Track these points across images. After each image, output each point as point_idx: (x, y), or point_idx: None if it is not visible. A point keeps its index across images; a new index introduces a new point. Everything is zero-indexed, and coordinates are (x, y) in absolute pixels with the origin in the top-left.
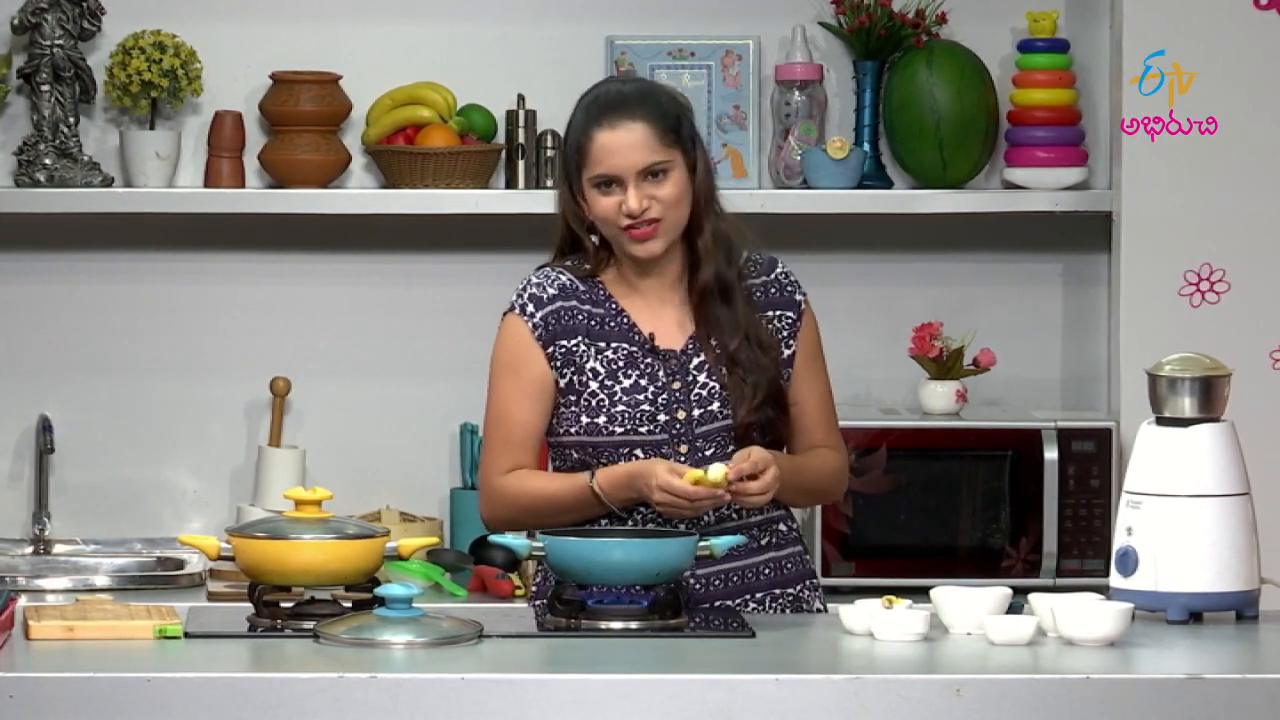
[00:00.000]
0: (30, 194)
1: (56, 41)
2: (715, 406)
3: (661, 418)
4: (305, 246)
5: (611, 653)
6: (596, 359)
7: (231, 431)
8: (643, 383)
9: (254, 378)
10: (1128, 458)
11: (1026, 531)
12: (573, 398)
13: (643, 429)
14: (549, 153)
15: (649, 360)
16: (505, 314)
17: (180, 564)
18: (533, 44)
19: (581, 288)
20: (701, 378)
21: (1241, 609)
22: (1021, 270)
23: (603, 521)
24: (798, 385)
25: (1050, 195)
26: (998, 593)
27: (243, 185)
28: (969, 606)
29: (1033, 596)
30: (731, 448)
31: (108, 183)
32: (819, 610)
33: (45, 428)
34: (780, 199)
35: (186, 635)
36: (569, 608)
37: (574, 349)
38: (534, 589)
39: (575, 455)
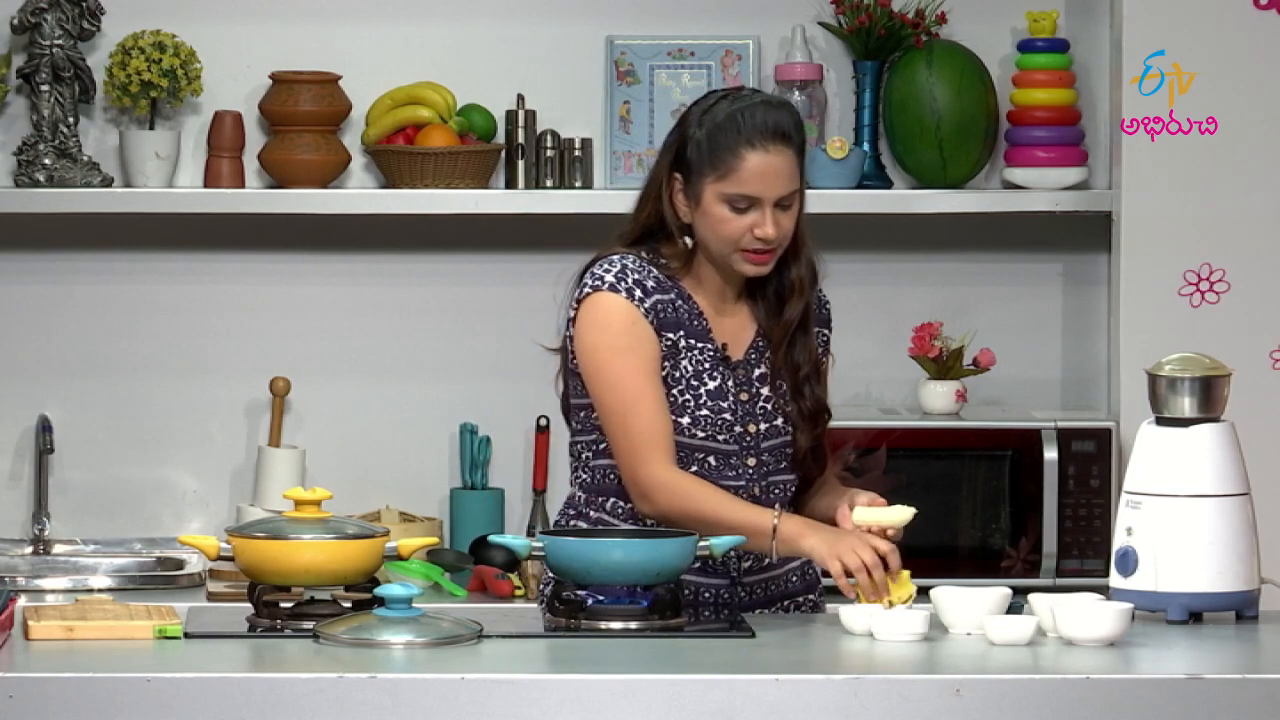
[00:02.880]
0: (30, 194)
1: (56, 41)
2: (780, 422)
3: (737, 429)
4: (305, 246)
5: (611, 653)
6: (687, 357)
7: (231, 431)
8: (723, 388)
9: (254, 378)
10: (1128, 458)
11: (1026, 531)
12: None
13: (720, 436)
14: (549, 153)
15: (722, 369)
16: (595, 294)
17: (180, 564)
18: (533, 44)
19: (668, 283)
20: (765, 391)
21: (1241, 609)
22: (1021, 270)
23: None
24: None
25: (1050, 195)
26: (997, 593)
27: (242, 185)
28: (969, 606)
29: (1032, 596)
30: (785, 463)
31: (107, 183)
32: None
33: (45, 428)
34: None
35: (186, 635)
36: (569, 608)
37: (676, 343)
38: (541, 592)
39: None
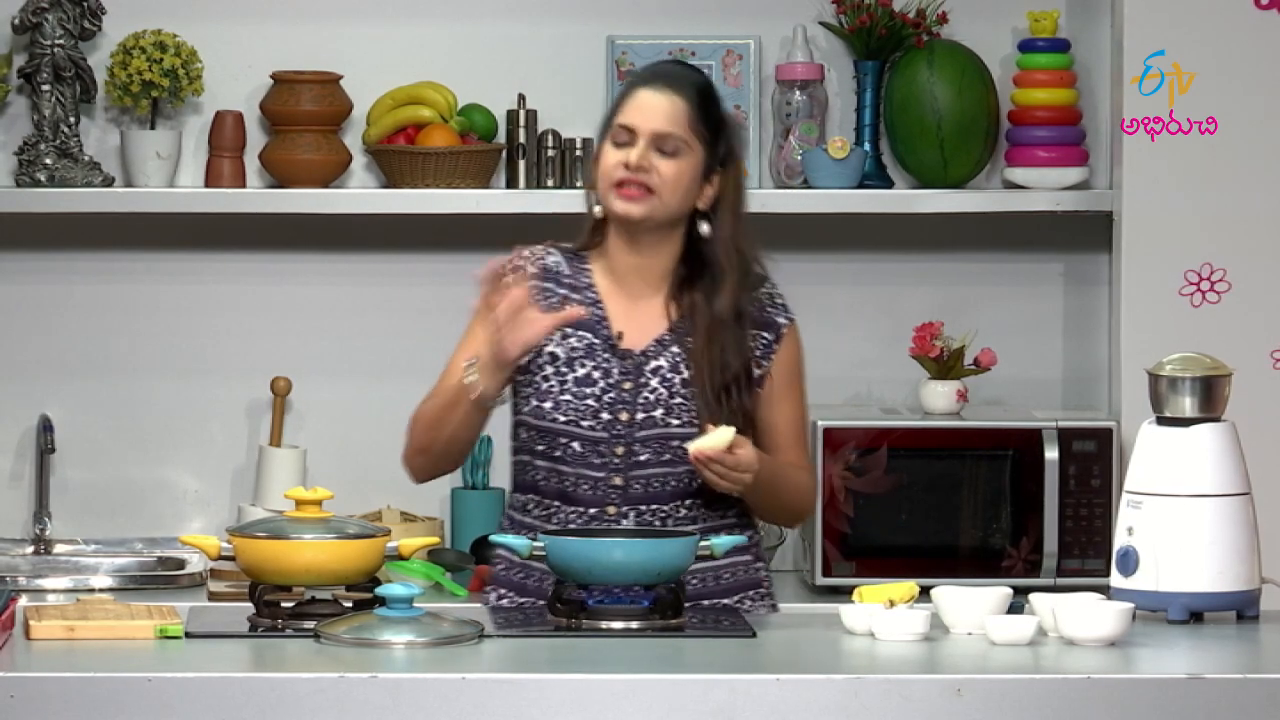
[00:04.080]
0: (31, 194)
1: (57, 41)
2: (659, 413)
3: (605, 416)
4: (306, 246)
5: (612, 652)
6: (558, 345)
7: (232, 431)
8: (595, 375)
9: (255, 377)
10: (1128, 457)
11: (1027, 531)
12: (526, 378)
13: (585, 422)
14: (550, 152)
15: (606, 355)
16: None
17: (181, 564)
18: (533, 44)
19: (566, 271)
20: (654, 382)
21: (1242, 609)
22: (1022, 270)
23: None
24: (770, 408)
25: (1051, 195)
26: (998, 592)
27: (243, 185)
28: (970, 606)
29: (1033, 596)
30: (668, 456)
31: (108, 182)
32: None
33: (46, 427)
34: (781, 199)
35: (187, 635)
36: (570, 607)
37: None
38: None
39: (523, 435)
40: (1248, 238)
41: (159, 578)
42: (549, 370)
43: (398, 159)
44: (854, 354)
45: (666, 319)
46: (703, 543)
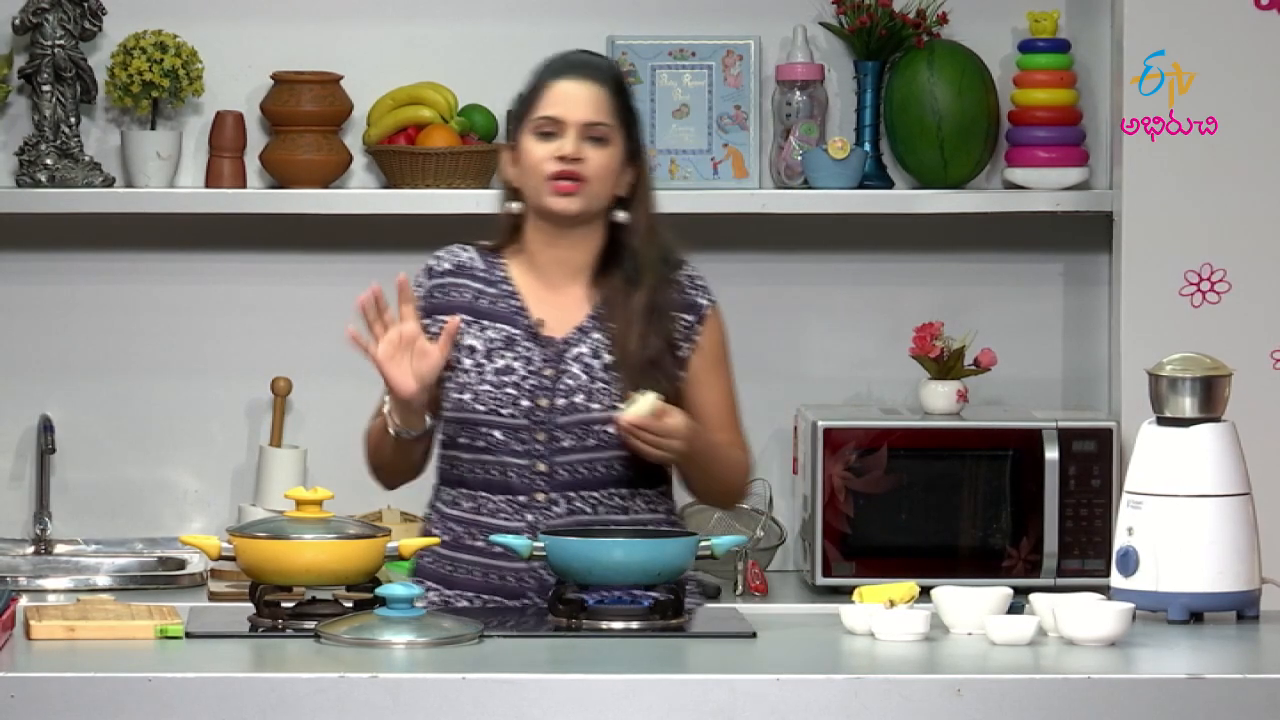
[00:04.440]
0: (31, 194)
1: (58, 41)
2: (580, 399)
3: (524, 402)
4: (306, 246)
5: (612, 653)
6: (476, 336)
7: (232, 431)
8: (514, 365)
9: (255, 378)
10: (1128, 458)
11: (1027, 531)
12: (449, 373)
13: (504, 411)
14: None
15: (528, 344)
16: None
17: (181, 564)
18: (534, 44)
19: (480, 266)
20: (575, 368)
21: (1242, 609)
22: (1022, 270)
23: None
24: (695, 390)
25: (1051, 195)
26: (998, 593)
27: (244, 185)
28: (970, 606)
29: (1033, 596)
30: (593, 441)
31: (109, 183)
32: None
33: (46, 427)
34: (781, 199)
35: (188, 635)
36: (570, 607)
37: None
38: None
39: (449, 431)
40: (1247, 238)
41: (159, 578)
42: (467, 363)
43: (398, 159)
44: (854, 354)
45: (587, 306)
46: (703, 543)
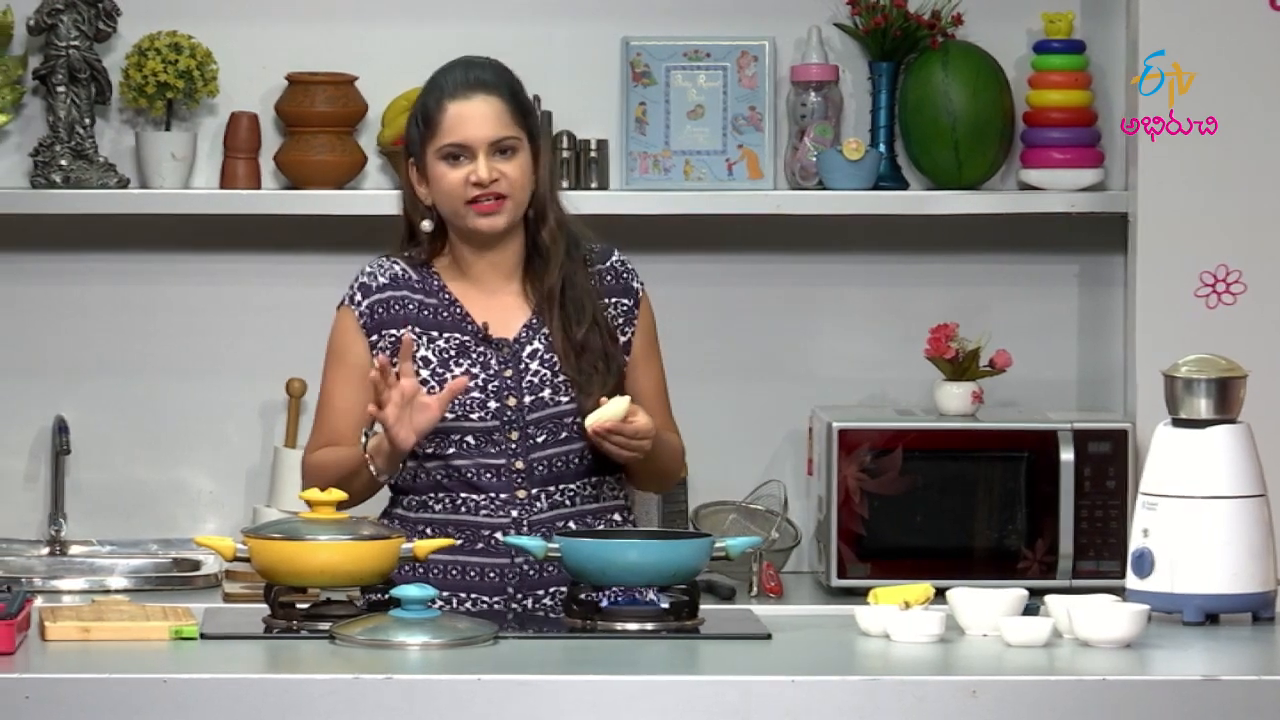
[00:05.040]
0: (46, 195)
1: (72, 43)
2: (546, 394)
3: (492, 404)
4: (321, 247)
5: (627, 654)
6: (428, 348)
7: (247, 433)
8: (474, 370)
9: (269, 379)
10: (1144, 459)
11: (1042, 533)
12: None
13: (473, 415)
14: (565, 154)
15: (481, 349)
16: (339, 306)
17: (196, 565)
18: (548, 45)
19: (415, 277)
20: (534, 365)
21: (1258, 610)
22: (1037, 271)
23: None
24: (635, 373)
25: (1066, 196)
26: (1014, 594)
27: (258, 186)
28: (985, 608)
29: (1049, 598)
30: (564, 434)
31: (123, 184)
32: None
33: (61, 429)
34: (796, 200)
35: (202, 636)
36: (585, 609)
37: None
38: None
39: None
40: (1263, 239)
41: (174, 579)
42: (425, 374)
43: None
44: (868, 355)
45: (527, 303)
46: (718, 545)
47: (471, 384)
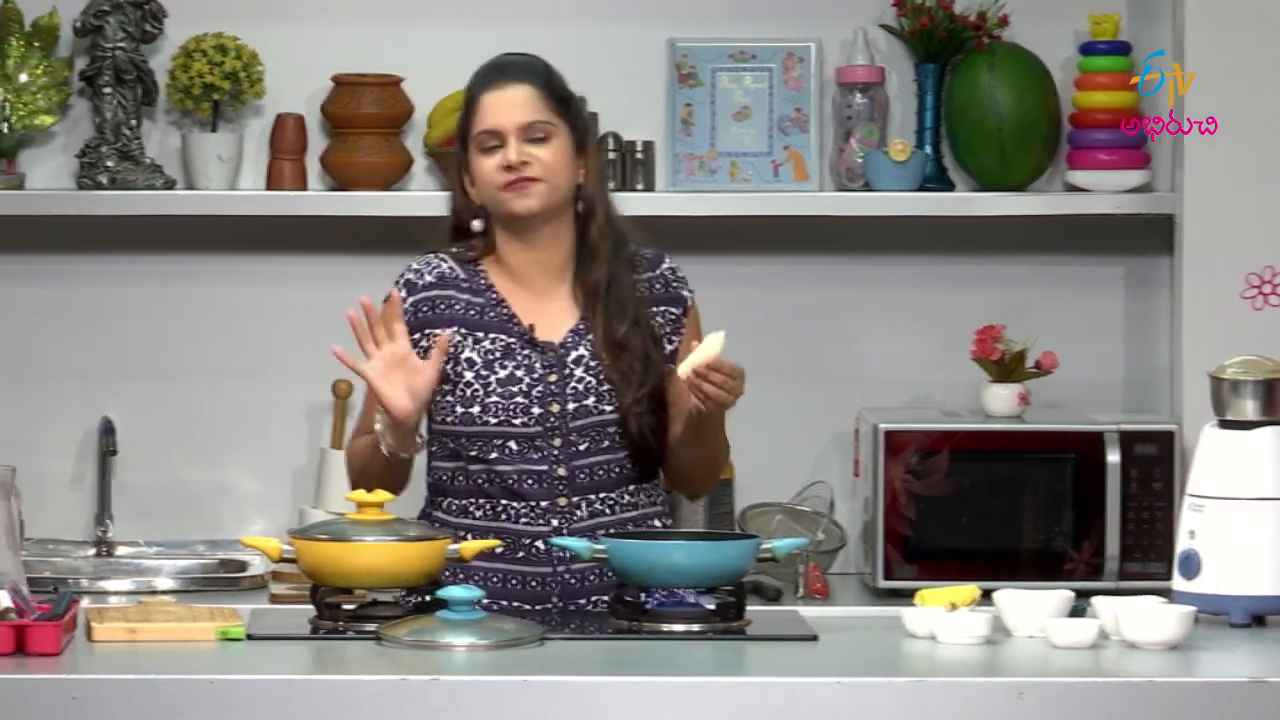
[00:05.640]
0: (92, 196)
1: (119, 44)
2: (591, 401)
3: (536, 410)
4: (367, 249)
5: (673, 655)
6: (473, 349)
7: (293, 433)
8: (519, 374)
9: (316, 380)
10: (1190, 460)
11: (1089, 534)
12: (448, 387)
13: (517, 420)
14: (611, 155)
15: (527, 352)
16: (384, 300)
17: (242, 566)
18: (594, 47)
19: (462, 276)
20: (579, 371)
21: None
22: (1083, 273)
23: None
24: (681, 383)
25: (1112, 198)
26: (1060, 595)
27: (304, 188)
28: (1031, 609)
29: (1095, 599)
30: (606, 443)
31: (170, 185)
32: None
33: (108, 430)
34: (842, 201)
35: (249, 637)
36: (630, 610)
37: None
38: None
39: (451, 444)
40: None
41: (220, 580)
42: (469, 376)
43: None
44: (915, 357)
45: (575, 307)
46: (764, 546)
47: (515, 388)
